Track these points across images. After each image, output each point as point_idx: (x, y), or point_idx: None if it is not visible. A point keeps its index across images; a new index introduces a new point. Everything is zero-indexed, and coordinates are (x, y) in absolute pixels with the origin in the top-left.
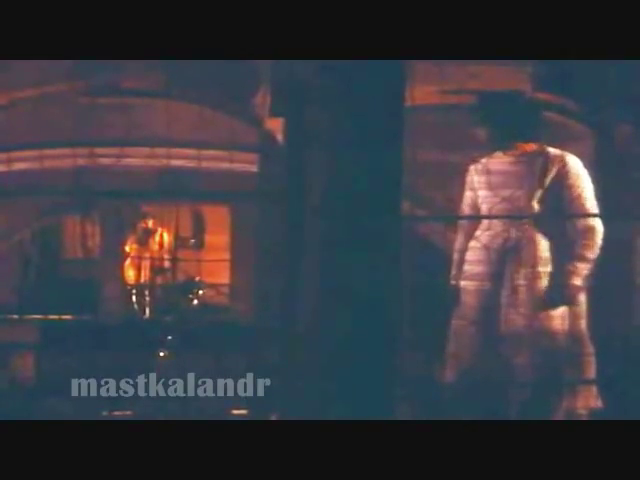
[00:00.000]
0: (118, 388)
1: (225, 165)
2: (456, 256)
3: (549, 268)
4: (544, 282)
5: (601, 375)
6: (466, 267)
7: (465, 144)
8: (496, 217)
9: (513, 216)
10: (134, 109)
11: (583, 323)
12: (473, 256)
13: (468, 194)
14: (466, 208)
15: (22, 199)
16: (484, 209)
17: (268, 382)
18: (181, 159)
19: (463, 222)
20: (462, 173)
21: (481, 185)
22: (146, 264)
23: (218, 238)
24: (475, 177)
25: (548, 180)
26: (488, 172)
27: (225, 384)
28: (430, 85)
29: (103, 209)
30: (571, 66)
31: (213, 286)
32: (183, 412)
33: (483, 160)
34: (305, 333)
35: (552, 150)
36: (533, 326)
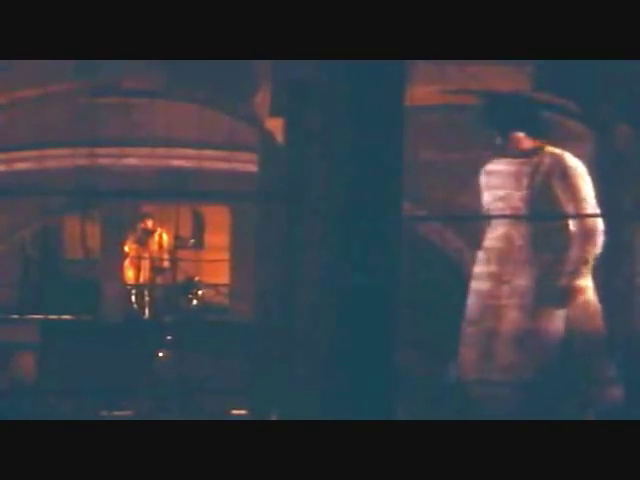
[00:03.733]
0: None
1: (225, 165)
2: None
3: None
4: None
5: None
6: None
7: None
8: (496, 217)
9: (513, 216)
10: (134, 109)
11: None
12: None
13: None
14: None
15: (22, 199)
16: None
17: (267, 382)
18: (181, 159)
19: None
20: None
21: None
22: (146, 264)
23: (218, 238)
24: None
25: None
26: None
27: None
28: (430, 85)
29: (103, 209)
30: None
31: (213, 286)
32: (183, 411)
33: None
34: (305, 333)
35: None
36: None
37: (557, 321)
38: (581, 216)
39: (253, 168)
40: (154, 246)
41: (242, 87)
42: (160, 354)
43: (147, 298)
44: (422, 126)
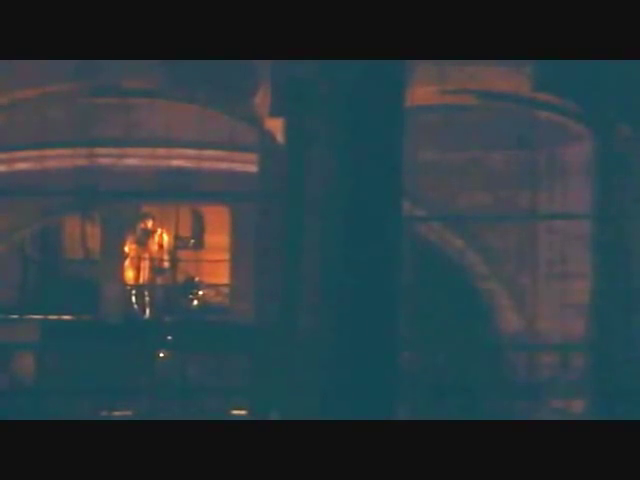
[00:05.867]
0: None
1: (225, 165)
2: None
3: None
4: None
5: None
6: None
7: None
8: (498, 217)
9: (514, 216)
10: (134, 109)
11: None
12: None
13: None
14: None
15: (22, 199)
16: None
17: (267, 382)
18: (181, 159)
19: None
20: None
21: None
22: (146, 264)
23: (218, 238)
24: None
25: None
26: None
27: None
28: (430, 85)
29: (103, 209)
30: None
31: (213, 286)
32: (183, 412)
33: None
34: (305, 333)
35: None
36: None
37: None
38: (579, 217)
39: (253, 168)
40: (154, 246)
41: (242, 87)
42: (160, 354)
43: (147, 298)
44: (422, 126)
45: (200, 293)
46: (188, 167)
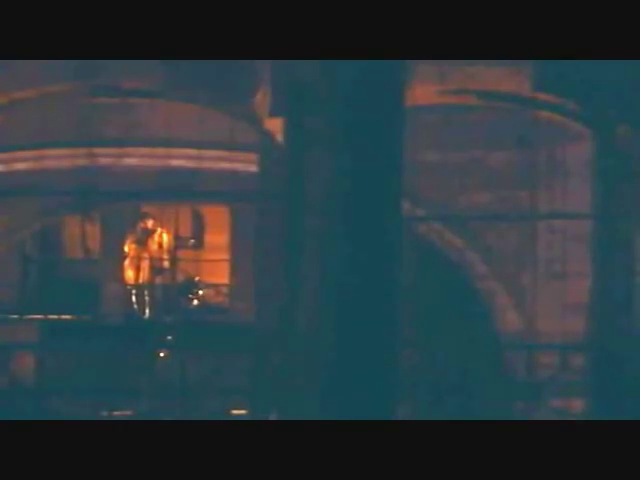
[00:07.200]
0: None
1: (225, 165)
2: None
3: None
4: None
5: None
6: None
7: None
8: (498, 217)
9: (514, 216)
10: (134, 109)
11: None
12: None
13: None
14: None
15: (22, 199)
16: None
17: (267, 382)
18: (181, 159)
19: None
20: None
21: None
22: (146, 264)
23: (218, 238)
24: None
25: None
26: None
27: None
28: (430, 85)
29: (103, 209)
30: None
31: (213, 286)
32: (184, 412)
33: None
34: (305, 333)
35: None
36: None
37: None
38: (578, 216)
39: (253, 168)
40: (154, 246)
41: (242, 87)
42: (160, 354)
43: (147, 298)
44: (422, 126)
45: (200, 293)
46: (188, 167)
